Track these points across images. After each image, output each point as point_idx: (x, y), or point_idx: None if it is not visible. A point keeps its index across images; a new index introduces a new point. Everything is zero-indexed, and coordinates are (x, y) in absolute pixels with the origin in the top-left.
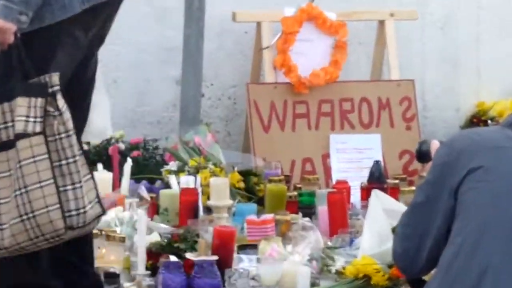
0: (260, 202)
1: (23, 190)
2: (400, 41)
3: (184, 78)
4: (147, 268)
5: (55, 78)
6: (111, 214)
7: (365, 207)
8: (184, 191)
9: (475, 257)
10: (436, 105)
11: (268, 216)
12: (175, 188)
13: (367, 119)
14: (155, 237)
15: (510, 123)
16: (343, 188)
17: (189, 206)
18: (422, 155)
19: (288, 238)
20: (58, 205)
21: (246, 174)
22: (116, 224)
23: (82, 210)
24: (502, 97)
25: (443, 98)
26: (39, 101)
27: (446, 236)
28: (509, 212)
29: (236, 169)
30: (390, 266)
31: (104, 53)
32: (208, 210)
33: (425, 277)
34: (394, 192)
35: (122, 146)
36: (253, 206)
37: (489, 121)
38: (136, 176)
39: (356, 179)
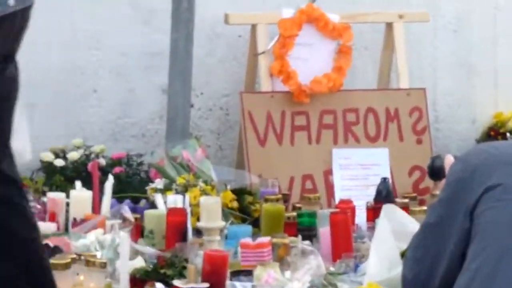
0: (256, 223)
1: None
2: (409, 46)
3: (171, 86)
4: None
5: None
6: (91, 237)
7: (371, 228)
8: (172, 212)
9: (493, 284)
10: (450, 116)
11: (264, 239)
12: (161, 208)
13: (373, 132)
14: (139, 262)
15: None
16: (347, 208)
17: (177, 228)
18: (435, 172)
19: (286, 263)
20: None
21: (240, 192)
22: (97, 248)
23: None
24: None
25: (457, 109)
26: None
27: (460, 260)
28: None
29: (229, 187)
30: None
31: (83, 60)
32: (198, 232)
33: None
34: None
35: (102, 161)
36: (248, 228)
37: (508, 134)
38: (119, 195)
39: (362, 198)
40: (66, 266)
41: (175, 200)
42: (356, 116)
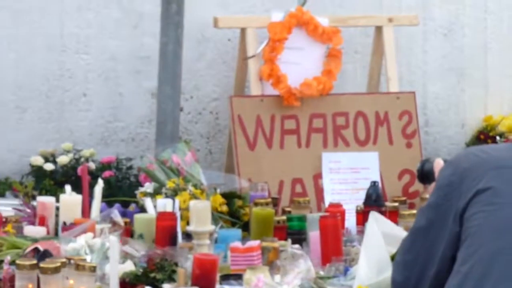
0: (245, 227)
1: None
2: (399, 49)
3: (160, 90)
4: None
5: None
6: (81, 241)
7: (361, 232)
8: (161, 216)
9: (485, 286)
10: (439, 120)
11: (254, 243)
12: (151, 212)
13: (363, 136)
14: (129, 266)
15: None
16: (336, 211)
17: (167, 232)
18: (425, 175)
19: (276, 267)
20: None
21: (229, 196)
22: (86, 252)
23: None
24: None
25: (447, 113)
26: None
27: (450, 263)
28: None
29: (218, 191)
30: None
31: (72, 63)
32: (188, 236)
33: None
34: (393, 215)
35: (92, 165)
36: (238, 232)
37: (498, 138)
38: (108, 199)
39: (351, 202)
40: (56, 270)
41: (164, 204)
42: (346, 119)
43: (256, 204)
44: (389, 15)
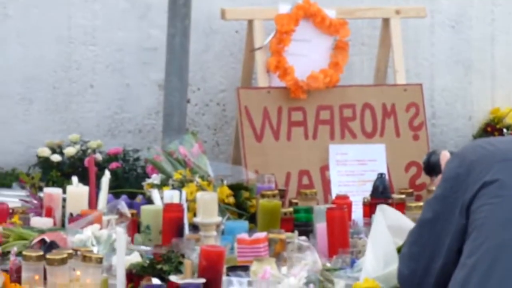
0: (252, 219)
1: None
2: (406, 42)
3: (168, 82)
4: None
5: None
6: (87, 233)
7: (368, 224)
8: (168, 207)
9: (490, 280)
10: (447, 112)
11: (261, 235)
12: (158, 203)
13: (370, 128)
14: (135, 258)
15: None
16: (343, 203)
17: (174, 224)
18: (431, 168)
19: (282, 259)
20: None
21: (236, 188)
22: (93, 243)
23: None
24: None
25: (454, 105)
26: None
27: (457, 256)
28: None
29: (225, 182)
30: None
31: (79, 55)
32: (195, 228)
33: None
34: (400, 208)
35: (99, 157)
36: (244, 223)
37: (505, 130)
38: (115, 190)
39: (358, 194)
40: (63, 261)
41: (171, 195)
42: (353, 111)
43: (263, 196)
44: (397, 7)
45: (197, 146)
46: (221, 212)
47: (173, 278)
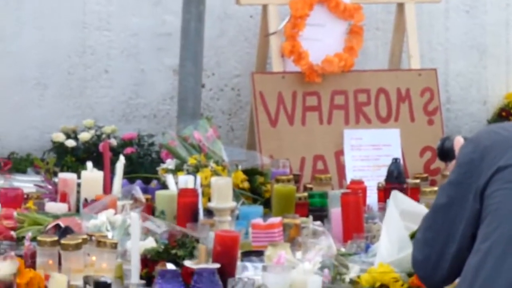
0: (267, 204)
1: None
2: (421, 27)
3: (182, 67)
4: (141, 277)
5: None
6: (102, 218)
7: (382, 209)
8: (183, 192)
9: (504, 265)
10: (461, 97)
11: (275, 220)
12: (172, 188)
13: (384, 112)
14: (150, 243)
15: None
16: (358, 188)
17: (188, 209)
18: (445, 153)
19: (297, 244)
20: None
21: (251, 173)
22: (108, 228)
23: None
24: None
25: (469, 90)
26: None
27: (471, 241)
28: None
29: (240, 167)
30: (409, 275)
31: (94, 40)
32: (209, 213)
33: None
34: (414, 192)
35: (114, 142)
36: (259, 208)
37: None
38: (130, 175)
39: (373, 179)
40: (77, 246)
41: (186, 180)
42: (368, 96)
43: (277, 181)
44: None
45: (211, 131)
46: (236, 197)
47: (187, 263)
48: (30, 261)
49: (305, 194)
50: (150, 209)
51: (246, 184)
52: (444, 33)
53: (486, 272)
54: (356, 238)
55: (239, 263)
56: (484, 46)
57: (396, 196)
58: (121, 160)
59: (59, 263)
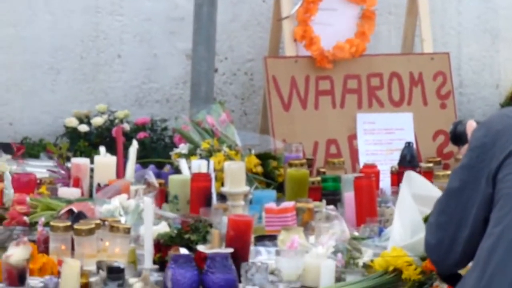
0: (280, 188)
1: None
2: (433, 11)
3: (195, 51)
4: (154, 262)
5: None
6: (115, 203)
7: (395, 193)
8: (196, 177)
9: None
10: (474, 81)
11: (289, 204)
12: (185, 173)
13: (397, 96)
14: (163, 228)
15: None
16: (371, 172)
17: (201, 193)
18: (457, 137)
19: (310, 228)
20: None
21: (264, 157)
22: (121, 213)
23: None
24: None
25: (482, 73)
26: None
27: (483, 225)
28: None
29: (253, 152)
30: (423, 259)
31: (106, 25)
32: (222, 197)
33: (461, 271)
34: (427, 176)
35: (127, 127)
36: (272, 193)
37: None
38: (143, 160)
39: (386, 163)
40: (90, 231)
41: (199, 165)
42: (380, 80)
43: (290, 165)
44: None
45: (224, 115)
46: (249, 181)
47: (201, 248)
48: (43, 246)
49: (318, 178)
50: (163, 194)
51: (259, 169)
52: (457, 17)
53: (499, 256)
54: (369, 222)
55: (252, 248)
56: (497, 30)
57: (410, 175)
58: (134, 145)
59: (72, 248)
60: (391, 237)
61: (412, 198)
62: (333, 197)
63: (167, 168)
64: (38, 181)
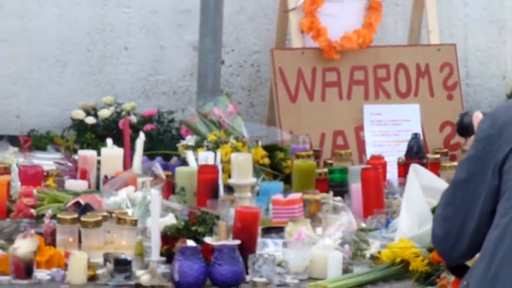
0: (287, 180)
1: None
2: (440, 2)
3: (202, 43)
4: (161, 254)
5: None
6: (122, 195)
7: (402, 184)
8: (203, 169)
9: None
10: (480, 72)
11: (296, 196)
12: (192, 165)
13: (404, 88)
14: (170, 220)
15: None
16: (378, 164)
17: (208, 185)
18: (464, 129)
19: (317, 219)
20: None
21: (271, 149)
22: (128, 205)
23: None
24: None
25: (488, 65)
26: None
27: (490, 217)
28: None
29: (260, 143)
30: (430, 250)
31: (113, 17)
32: (229, 189)
33: (468, 263)
34: (434, 168)
35: (133, 119)
36: (279, 184)
37: None
38: (150, 152)
39: (393, 154)
40: (97, 224)
41: (206, 157)
42: (387, 72)
43: (297, 157)
44: None
45: (231, 107)
46: (256, 173)
47: (208, 239)
48: (50, 238)
49: (325, 169)
50: (170, 186)
51: (266, 160)
52: (463, 8)
53: (506, 247)
54: (377, 213)
55: (259, 239)
56: (503, 21)
57: (416, 168)
58: (141, 137)
59: (79, 241)
60: (398, 228)
61: (421, 189)
62: (340, 189)
63: (174, 160)
64: (45, 174)
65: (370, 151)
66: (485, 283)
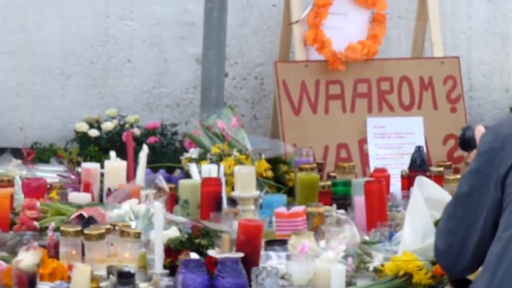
0: (290, 193)
1: None
2: (443, 15)
3: (205, 56)
4: (165, 267)
5: None
6: (125, 207)
7: (406, 197)
8: (206, 181)
9: None
10: (484, 85)
11: (299, 209)
12: (196, 177)
13: (407, 101)
14: (173, 232)
15: None
16: (381, 176)
17: (212, 198)
18: (466, 143)
19: (321, 232)
20: None
21: (274, 162)
22: (131, 218)
23: None
24: None
25: (491, 77)
26: None
27: (493, 230)
28: None
29: (263, 156)
30: (433, 263)
31: (117, 29)
32: (233, 202)
33: (470, 277)
34: (438, 180)
35: (137, 131)
36: (282, 197)
37: None
38: (153, 164)
39: (396, 167)
40: (101, 236)
41: (209, 169)
42: (390, 84)
43: (301, 170)
44: None
45: (235, 120)
46: (259, 186)
47: (211, 252)
48: (53, 251)
49: (329, 182)
50: (173, 199)
51: (269, 173)
52: (467, 21)
53: (508, 260)
54: (380, 226)
55: (262, 252)
56: (507, 34)
57: (421, 181)
58: (144, 149)
59: (83, 253)
60: (402, 241)
61: (424, 202)
62: (344, 201)
63: (177, 172)
64: (48, 186)
65: (373, 164)
66: None
